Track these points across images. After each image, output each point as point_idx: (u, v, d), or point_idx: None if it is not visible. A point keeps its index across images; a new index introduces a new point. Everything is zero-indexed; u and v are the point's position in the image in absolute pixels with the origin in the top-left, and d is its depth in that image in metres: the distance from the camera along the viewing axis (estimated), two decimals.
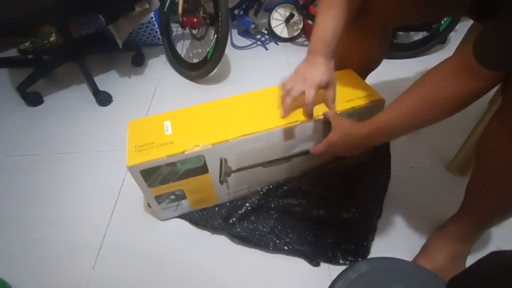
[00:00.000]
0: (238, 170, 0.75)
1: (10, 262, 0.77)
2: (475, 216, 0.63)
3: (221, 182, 0.76)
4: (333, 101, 0.69)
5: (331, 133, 0.65)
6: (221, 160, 0.71)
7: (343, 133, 0.63)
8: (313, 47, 0.67)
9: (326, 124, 0.70)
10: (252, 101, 0.77)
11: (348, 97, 0.74)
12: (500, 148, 0.51)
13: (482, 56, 0.46)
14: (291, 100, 0.67)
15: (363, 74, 0.85)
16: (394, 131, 0.58)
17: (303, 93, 0.66)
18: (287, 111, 0.69)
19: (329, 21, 0.65)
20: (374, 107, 0.73)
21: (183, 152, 0.67)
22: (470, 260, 0.69)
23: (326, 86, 0.68)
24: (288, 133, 0.71)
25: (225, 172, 0.74)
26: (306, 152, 0.76)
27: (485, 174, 0.57)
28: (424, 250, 0.71)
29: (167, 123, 0.74)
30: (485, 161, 0.56)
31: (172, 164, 0.68)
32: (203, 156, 0.69)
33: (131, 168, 0.66)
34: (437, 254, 0.67)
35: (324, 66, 0.66)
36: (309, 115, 0.69)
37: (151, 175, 0.69)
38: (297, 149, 0.75)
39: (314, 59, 0.67)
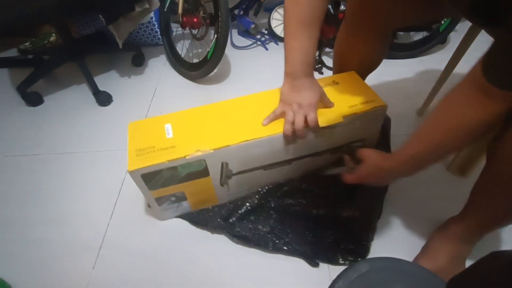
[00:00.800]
0: (239, 173, 0.75)
1: (10, 262, 0.77)
2: (479, 218, 0.63)
3: (222, 185, 0.76)
4: (329, 104, 0.71)
5: (362, 166, 0.65)
6: (222, 164, 0.71)
7: (373, 167, 0.64)
8: (296, 71, 0.66)
9: (354, 155, 0.70)
10: (253, 104, 0.76)
11: (351, 102, 0.73)
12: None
13: (492, 75, 0.44)
14: (300, 132, 0.68)
15: (363, 74, 0.85)
16: (423, 163, 0.58)
17: (306, 117, 0.68)
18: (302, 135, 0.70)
19: (307, 42, 0.64)
20: (377, 113, 0.74)
21: (184, 157, 0.67)
22: (470, 260, 0.69)
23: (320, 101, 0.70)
24: (290, 138, 0.71)
25: (226, 175, 0.74)
26: (306, 156, 0.76)
27: (496, 179, 0.57)
28: (424, 250, 0.71)
29: (168, 126, 0.73)
30: (497, 166, 0.56)
31: (173, 168, 0.68)
32: (204, 161, 0.69)
33: (132, 173, 0.66)
34: (438, 255, 0.67)
35: (314, 86, 0.68)
36: (317, 131, 0.70)
37: (152, 179, 0.69)
38: (298, 153, 0.75)
39: (300, 83, 0.67)
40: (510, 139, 0.51)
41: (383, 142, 0.85)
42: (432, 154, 0.56)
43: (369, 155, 0.65)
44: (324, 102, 0.72)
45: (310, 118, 0.67)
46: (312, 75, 0.68)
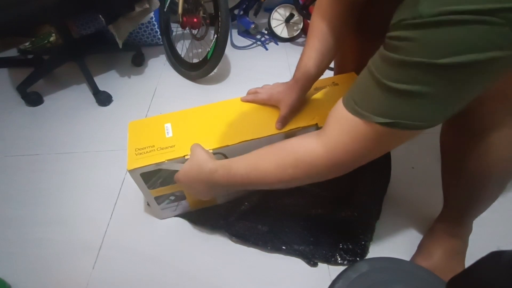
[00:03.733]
0: None
1: (10, 262, 0.77)
2: (456, 210, 0.66)
3: None
4: (279, 121, 0.69)
5: (186, 162, 0.63)
6: None
7: (195, 160, 0.61)
8: (294, 74, 0.69)
9: None
10: (253, 104, 0.76)
11: None
12: (451, 145, 0.56)
13: (345, 98, 0.44)
14: (251, 97, 0.76)
15: None
16: (235, 176, 0.55)
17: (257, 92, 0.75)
18: (246, 100, 0.77)
19: (311, 54, 0.66)
20: None
21: (184, 156, 0.67)
22: (470, 260, 0.69)
23: (278, 104, 0.71)
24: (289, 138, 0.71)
25: None
26: None
27: (448, 170, 0.61)
28: (419, 249, 0.72)
29: (168, 126, 0.73)
30: (444, 159, 0.60)
31: None
32: None
33: (131, 172, 0.66)
34: (432, 253, 0.68)
35: (286, 89, 0.69)
36: (244, 100, 0.77)
37: (151, 178, 0.69)
38: None
39: (288, 82, 0.70)
40: (455, 134, 0.55)
41: None
42: (247, 173, 0.53)
43: (197, 150, 0.62)
44: (280, 112, 0.70)
45: (257, 95, 0.74)
46: (299, 85, 0.68)
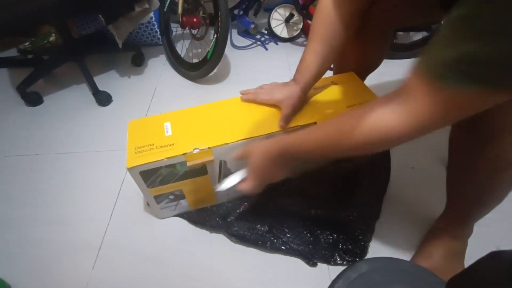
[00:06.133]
0: None
1: (10, 262, 0.77)
2: (459, 211, 0.65)
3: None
4: (283, 120, 0.68)
5: (250, 158, 0.60)
6: (220, 162, 0.71)
7: (261, 150, 0.58)
8: (294, 76, 0.70)
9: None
10: (252, 103, 0.76)
11: (349, 103, 0.74)
12: (461, 146, 0.55)
13: (422, 64, 0.41)
14: (251, 96, 0.75)
15: (363, 74, 0.85)
16: (304, 150, 0.54)
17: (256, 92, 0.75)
18: (246, 99, 0.76)
19: (312, 57, 0.66)
20: None
21: (183, 154, 0.67)
22: (470, 260, 0.69)
23: (279, 104, 0.71)
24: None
25: (224, 174, 0.74)
26: None
27: (455, 171, 0.61)
28: (420, 249, 0.72)
29: (167, 124, 0.74)
30: (452, 160, 0.60)
31: (172, 165, 0.68)
32: None
33: (130, 170, 0.66)
34: (432, 253, 0.68)
35: (287, 90, 0.70)
36: (244, 99, 0.76)
37: (150, 176, 0.69)
38: None
39: (288, 83, 0.71)
40: (456, 133, 0.54)
41: None
42: (316, 145, 0.52)
43: (252, 145, 0.60)
44: (282, 112, 0.69)
45: (259, 96, 0.74)
46: (300, 87, 0.69)
